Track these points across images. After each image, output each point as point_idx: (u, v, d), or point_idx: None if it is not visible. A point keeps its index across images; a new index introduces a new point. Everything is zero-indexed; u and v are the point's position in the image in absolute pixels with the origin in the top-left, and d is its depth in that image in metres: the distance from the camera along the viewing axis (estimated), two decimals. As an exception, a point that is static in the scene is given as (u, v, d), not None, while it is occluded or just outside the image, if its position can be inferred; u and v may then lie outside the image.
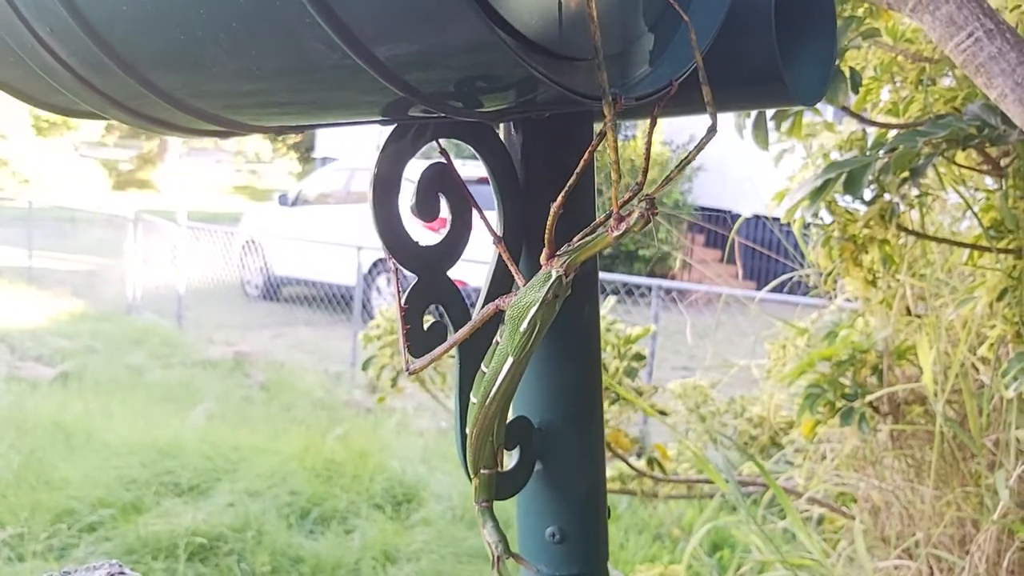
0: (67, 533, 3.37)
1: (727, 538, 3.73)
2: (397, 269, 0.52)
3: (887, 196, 1.57)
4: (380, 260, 8.43)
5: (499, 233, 0.55)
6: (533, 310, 0.47)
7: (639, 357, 1.86)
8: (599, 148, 0.45)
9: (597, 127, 0.61)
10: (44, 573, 0.64)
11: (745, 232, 8.48)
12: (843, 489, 2.22)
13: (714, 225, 10.22)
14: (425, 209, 0.53)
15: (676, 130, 10.71)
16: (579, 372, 0.61)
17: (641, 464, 2.06)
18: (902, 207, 1.64)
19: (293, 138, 20.99)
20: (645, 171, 0.44)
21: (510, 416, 0.59)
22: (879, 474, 2.04)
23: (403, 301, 0.51)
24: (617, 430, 1.91)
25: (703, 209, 10.35)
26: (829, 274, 1.68)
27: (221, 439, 4.52)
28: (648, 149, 0.44)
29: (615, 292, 5.78)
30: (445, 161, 0.53)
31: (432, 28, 0.35)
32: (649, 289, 5.36)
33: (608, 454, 2.07)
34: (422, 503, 3.94)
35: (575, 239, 0.46)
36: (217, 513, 3.65)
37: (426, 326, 0.53)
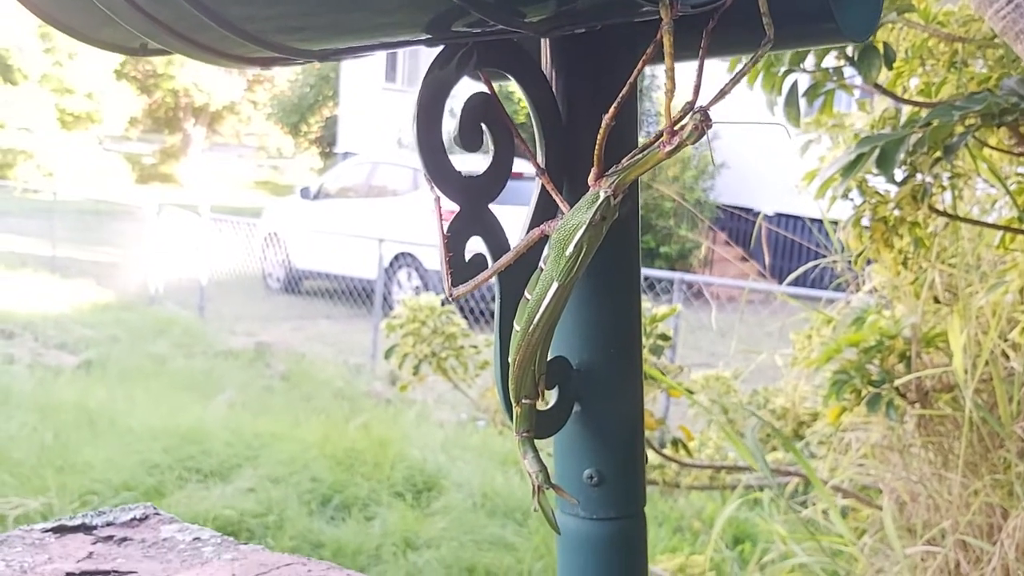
0: (90, 515, 3.39)
1: (749, 531, 3.72)
2: (439, 199, 0.52)
3: (919, 176, 1.56)
4: (401, 254, 8.44)
5: (603, 149, 0.55)
6: (580, 232, 0.46)
7: (665, 337, 1.85)
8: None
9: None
10: (80, 513, 0.64)
11: (767, 230, 8.44)
12: (868, 479, 2.20)
13: (736, 223, 10.17)
14: (468, 139, 0.53)
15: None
16: (618, 312, 0.60)
17: (666, 450, 2.05)
18: (934, 188, 1.62)
19: (315, 133, 21.06)
20: (697, 88, 0.44)
21: (549, 355, 0.59)
22: (906, 463, 2.02)
23: (446, 230, 0.51)
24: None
25: (725, 207, 10.31)
26: (859, 255, 1.66)
27: (242, 426, 4.54)
28: (701, 66, 0.44)
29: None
30: (488, 92, 0.53)
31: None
32: (671, 283, 5.34)
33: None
34: (442, 491, 3.94)
35: (624, 160, 0.46)
36: (239, 498, 3.67)
37: (467, 258, 0.53)
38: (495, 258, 0.54)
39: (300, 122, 21.02)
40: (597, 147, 0.44)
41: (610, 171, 0.46)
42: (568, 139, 0.57)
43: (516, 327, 0.50)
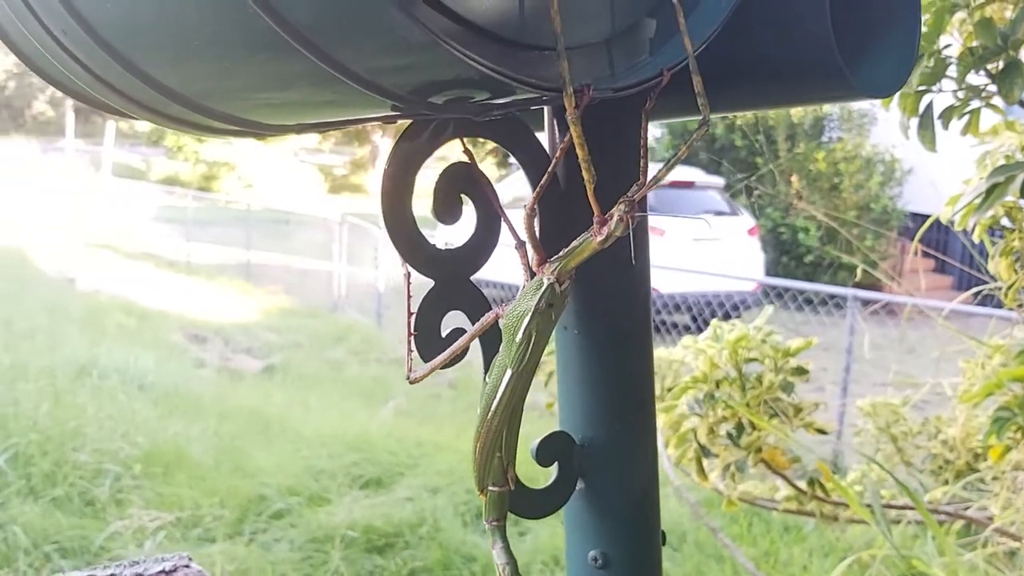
0: (257, 519, 3.56)
1: (922, 569, 3.49)
2: (408, 274, 0.50)
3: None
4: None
5: (537, 237, 0.52)
6: (527, 320, 0.44)
7: (800, 371, 1.75)
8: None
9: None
10: (116, 563, 0.66)
11: (961, 241, 7.92)
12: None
13: (928, 232, 9.60)
14: (445, 212, 0.51)
15: (887, 133, 10.15)
16: (624, 387, 0.57)
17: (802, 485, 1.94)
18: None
19: (491, 144, 21.43)
20: (644, 170, 0.40)
21: (554, 429, 0.56)
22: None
23: (414, 307, 0.49)
24: (774, 448, 1.81)
25: (914, 215, 9.76)
26: (1010, 287, 1.53)
27: (406, 435, 4.66)
28: (644, 147, 0.40)
29: (808, 302, 5.52)
30: (468, 161, 0.51)
31: (357, 22, 0.33)
32: (845, 299, 5.09)
33: (768, 472, 1.97)
34: (596, 510, 3.90)
35: (565, 248, 0.43)
36: (396, 507, 3.76)
37: (444, 333, 0.51)
38: (477, 333, 0.52)
39: (481, 133, 21.39)
40: (528, 235, 0.42)
41: (553, 258, 0.43)
42: (566, 207, 0.54)
43: (478, 411, 0.48)
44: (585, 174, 0.39)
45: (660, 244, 8.02)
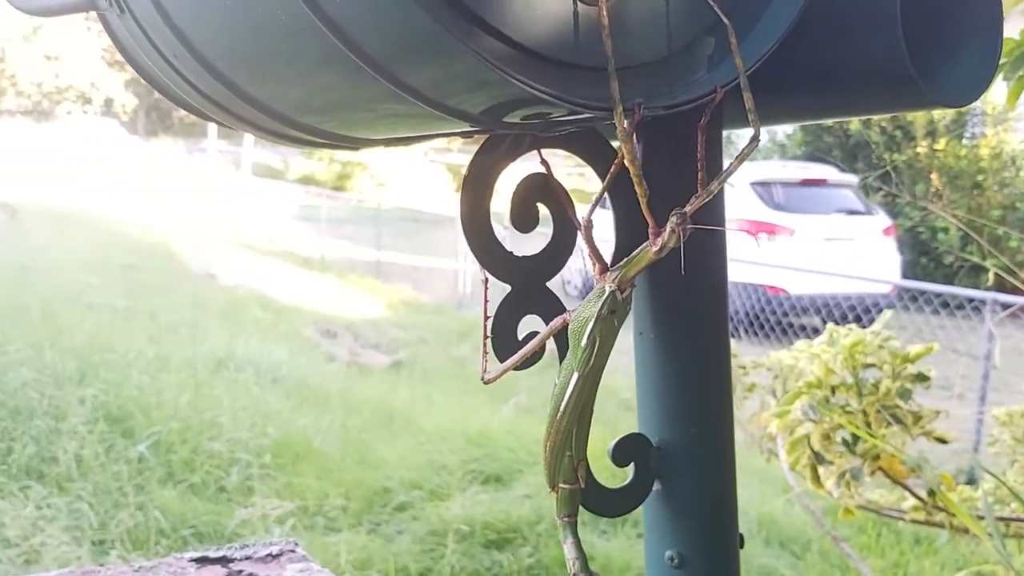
0: (380, 510, 3.67)
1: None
2: (487, 279, 0.53)
3: None
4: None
5: (614, 247, 0.54)
6: (590, 325, 0.46)
7: (922, 377, 1.70)
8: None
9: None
10: (228, 545, 0.71)
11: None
12: None
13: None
14: (522, 220, 0.53)
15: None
16: (700, 391, 0.58)
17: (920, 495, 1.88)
18: None
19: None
20: (701, 182, 0.42)
21: (632, 430, 0.58)
22: None
23: (492, 311, 0.52)
24: (892, 456, 1.76)
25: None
26: None
27: (526, 432, 4.70)
28: (702, 160, 0.42)
29: (944, 306, 5.31)
30: (545, 171, 0.53)
31: (421, 49, 0.36)
32: (983, 303, 4.87)
33: (888, 481, 1.92)
34: (716, 514, 3.86)
35: (632, 254, 0.45)
36: (515, 504, 3.80)
37: (522, 335, 0.53)
38: (555, 337, 0.54)
39: (608, 130, 21.34)
40: (588, 245, 0.44)
41: (614, 267, 0.45)
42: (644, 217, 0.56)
43: (548, 411, 0.50)
44: (637, 188, 0.40)
45: (790, 244, 7.84)
